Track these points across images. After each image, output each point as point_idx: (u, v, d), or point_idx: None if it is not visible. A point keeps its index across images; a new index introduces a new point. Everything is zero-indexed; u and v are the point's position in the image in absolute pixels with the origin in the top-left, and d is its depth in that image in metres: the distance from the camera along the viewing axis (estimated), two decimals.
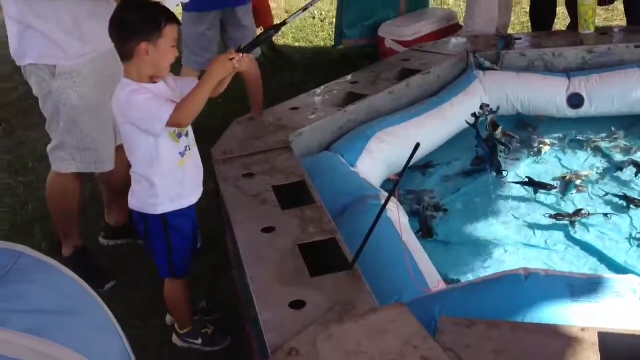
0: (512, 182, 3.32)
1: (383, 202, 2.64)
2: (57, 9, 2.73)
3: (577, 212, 3.01)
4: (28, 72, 2.86)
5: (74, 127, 2.87)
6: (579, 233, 2.91)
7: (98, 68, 2.83)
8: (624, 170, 3.35)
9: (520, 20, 6.09)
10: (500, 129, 3.34)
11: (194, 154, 2.45)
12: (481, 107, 3.37)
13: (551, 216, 3.02)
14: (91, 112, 2.86)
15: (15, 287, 0.99)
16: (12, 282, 1.00)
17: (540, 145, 3.62)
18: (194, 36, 3.78)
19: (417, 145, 2.05)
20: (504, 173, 3.29)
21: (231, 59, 2.30)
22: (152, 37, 2.24)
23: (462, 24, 5.29)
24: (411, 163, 2.17)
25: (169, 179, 2.35)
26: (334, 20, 6.07)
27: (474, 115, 3.29)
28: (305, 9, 2.63)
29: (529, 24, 5.41)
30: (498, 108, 3.26)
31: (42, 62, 2.79)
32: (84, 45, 2.79)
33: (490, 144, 3.35)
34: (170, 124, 2.24)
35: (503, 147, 3.46)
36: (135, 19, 2.26)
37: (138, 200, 2.40)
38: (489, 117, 3.33)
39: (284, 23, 2.55)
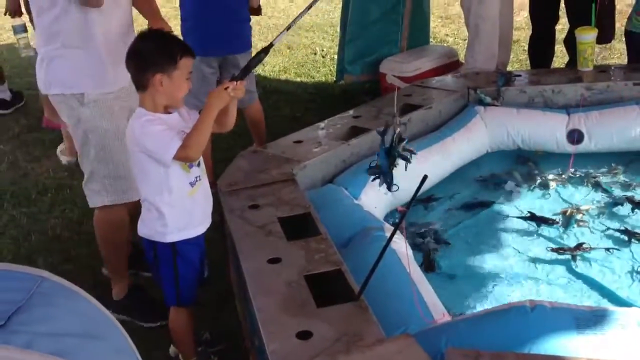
0: (514, 217, 3.35)
1: (387, 234, 2.68)
2: (92, 39, 2.75)
3: (579, 246, 3.04)
4: (55, 101, 2.88)
5: (104, 154, 2.86)
6: (581, 267, 2.93)
7: (123, 98, 2.85)
8: (624, 205, 3.38)
9: (518, 58, 6.18)
10: (404, 142, 3.18)
11: (204, 184, 2.47)
12: (393, 117, 3.21)
13: (553, 250, 3.05)
14: (120, 139, 2.83)
15: (39, 310, 1.01)
16: (35, 305, 1.02)
17: (550, 182, 3.66)
18: (197, 80, 3.83)
19: (425, 177, 2.08)
20: (394, 187, 3.15)
21: (226, 88, 2.34)
22: (167, 68, 2.29)
23: (462, 61, 5.38)
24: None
25: (178, 208, 2.38)
26: (335, 56, 6.15)
27: (385, 126, 3.11)
28: (289, 27, 2.64)
29: (528, 62, 5.49)
30: (409, 120, 3.17)
31: (70, 92, 2.79)
32: (115, 76, 2.80)
33: (391, 155, 3.21)
34: (178, 158, 2.28)
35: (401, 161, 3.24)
36: (151, 50, 2.32)
37: (148, 228, 2.42)
38: (397, 129, 3.14)
39: (271, 45, 2.55)
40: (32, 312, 1.00)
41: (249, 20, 4.05)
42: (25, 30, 5.27)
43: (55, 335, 0.98)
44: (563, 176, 3.69)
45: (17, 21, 5.13)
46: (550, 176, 3.70)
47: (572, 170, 3.74)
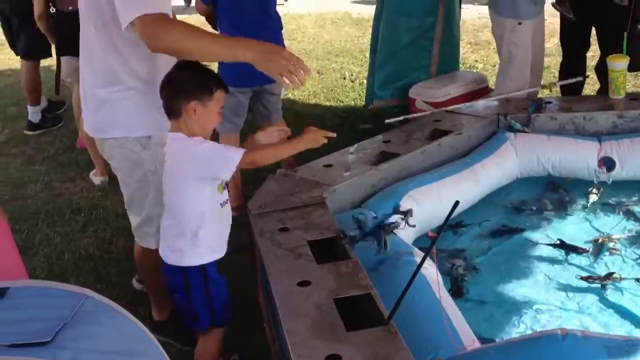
0: (544, 244, 3.33)
1: (417, 259, 2.68)
2: (152, 78, 2.63)
3: (609, 276, 3.00)
4: (111, 145, 2.74)
5: (161, 196, 2.68)
6: (613, 296, 2.90)
7: None
8: None
9: None
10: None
11: (228, 207, 2.52)
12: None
13: (582, 278, 3.01)
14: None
15: (84, 327, 1.04)
16: (80, 322, 1.05)
17: (591, 195, 3.69)
18: (231, 106, 3.95)
19: (456, 203, 2.09)
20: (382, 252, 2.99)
21: (326, 137, 2.49)
22: (203, 97, 2.35)
23: (492, 87, 5.38)
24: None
25: (210, 230, 2.42)
26: (365, 81, 6.20)
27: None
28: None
29: (558, 89, 5.47)
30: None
31: (134, 135, 2.68)
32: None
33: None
34: (244, 160, 2.32)
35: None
36: (189, 78, 2.37)
37: (178, 254, 2.43)
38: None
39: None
40: (78, 328, 1.03)
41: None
42: None
43: (100, 352, 1.01)
44: (593, 203, 3.67)
45: None
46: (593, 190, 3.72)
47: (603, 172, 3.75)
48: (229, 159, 2.32)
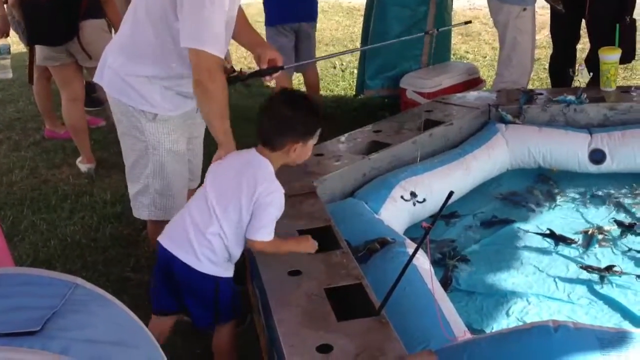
0: (534, 233, 3.33)
1: (408, 249, 2.67)
2: (170, 64, 2.66)
3: (609, 268, 2.99)
4: (122, 108, 2.75)
5: (161, 171, 2.78)
6: (602, 288, 2.90)
7: (186, 121, 2.83)
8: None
9: (539, 77, 6.17)
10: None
11: None
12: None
13: (582, 267, 3.01)
14: (178, 160, 2.81)
15: (75, 316, 1.01)
16: (71, 311, 1.02)
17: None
18: (278, 48, 4.08)
19: (451, 194, 2.07)
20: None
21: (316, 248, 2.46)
22: (307, 138, 2.34)
23: (483, 78, 5.37)
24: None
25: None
26: (355, 71, 6.18)
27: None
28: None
29: (548, 80, 5.48)
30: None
31: (142, 108, 2.70)
32: (187, 100, 2.76)
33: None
34: (259, 243, 2.31)
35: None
36: (302, 119, 2.34)
37: (218, 266, 2.36)
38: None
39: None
40: (68, 318, 1.00)
41: None
42: (9, 52, 5.20)
43: (92, 342, 0.98)
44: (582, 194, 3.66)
45: (2, 42, 5.07)
46: None
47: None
48: (267, 229, 2.29)
